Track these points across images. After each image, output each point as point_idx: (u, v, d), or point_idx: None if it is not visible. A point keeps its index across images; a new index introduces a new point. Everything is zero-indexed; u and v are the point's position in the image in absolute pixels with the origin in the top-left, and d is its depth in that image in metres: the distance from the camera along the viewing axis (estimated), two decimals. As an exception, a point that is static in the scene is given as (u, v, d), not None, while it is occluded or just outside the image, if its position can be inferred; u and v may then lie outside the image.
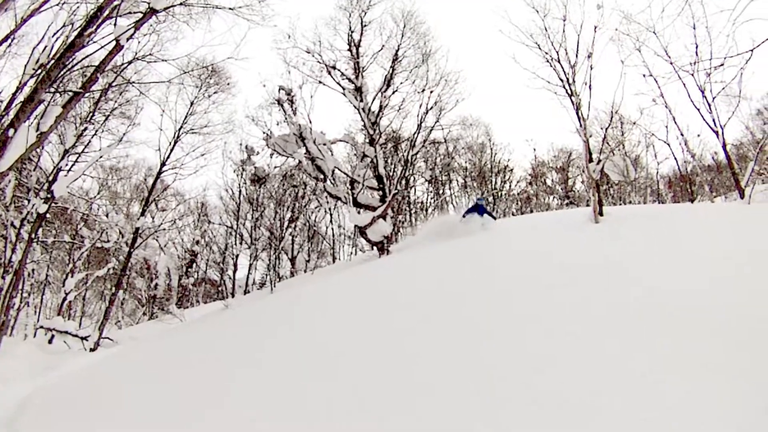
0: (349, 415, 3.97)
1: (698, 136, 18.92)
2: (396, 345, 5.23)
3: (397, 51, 19.14)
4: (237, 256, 30.37)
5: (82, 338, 16.17)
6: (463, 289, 6.89)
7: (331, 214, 29.84)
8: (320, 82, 18.76)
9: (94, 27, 10.30)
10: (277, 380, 5.14)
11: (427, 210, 31.42)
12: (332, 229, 30.71)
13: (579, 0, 12.40)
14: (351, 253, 29.77)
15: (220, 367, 6.33)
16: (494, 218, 13.83)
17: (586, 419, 3.08)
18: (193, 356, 7.88)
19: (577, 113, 12.13)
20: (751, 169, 14.24)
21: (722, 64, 7.01)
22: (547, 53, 13.11)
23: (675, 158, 21.39)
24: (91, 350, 16.07)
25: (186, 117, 20.84)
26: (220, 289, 29.82)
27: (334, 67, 18.85)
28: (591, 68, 11.83)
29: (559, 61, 12.82)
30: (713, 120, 14.48)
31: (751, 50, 5.66)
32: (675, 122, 16.23)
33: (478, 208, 13.65)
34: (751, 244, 6.52)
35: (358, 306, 7.66)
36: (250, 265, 29.19)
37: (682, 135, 16.66)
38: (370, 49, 19.37)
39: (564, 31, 12.80)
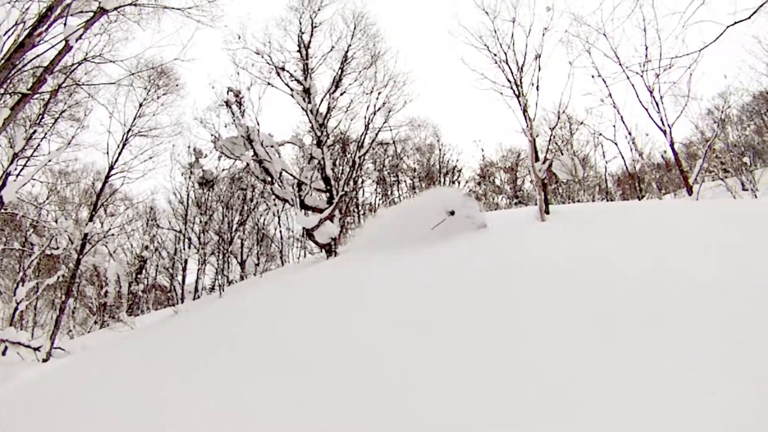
0: (333, 414, 3.73)
1: (647, 135, 19.79)
2: (355, 345, 4.97)
3: (346, 52, 19.47)
4: (186, 260, 29.79)
5: (35, 349, 15.72)
6: (417, 288, 6.67)
7: (279, 217, 29.78)
8: (269, 83, 18.83)
9: (45, 26, 10.18)
10: (230, 384, 4.83)
11: (375, 211, 31.72)
12: (281, 231, 30.70)
13: (529, 2, 12.87)
14: (299, 255, 29.79)
15: (169, 373, 6.19)
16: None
17: (586, 419, 3.12)
18: (143, 363, 7.77)
19: (524, 114, 12.39)
20: (699, 166, 15.12)
21: (671, 65, 7.54)
22: (495, 55, 13.52)
23: (623, 157, 22.26)
24: (44, 361, 15.60)
25: (134, 119, 20.44)
26: (170, 294, 29.23)
27: (283, 69, 18.98)
28: (539, 69, 12.16)
29: (507, 63, 13.22)
30: (661, 119, 15.31)
31: (700, 50, 6.04)
32: (623, 122, 16.96)
33: None
34: (704, 237, 6.57)
35: (311, 307, 7.36)
36: (199, 269, 28.69)
37: (630, 134, 17.38)
38: (319, 51, 19.66)
39: (513, 33, 13.27)
